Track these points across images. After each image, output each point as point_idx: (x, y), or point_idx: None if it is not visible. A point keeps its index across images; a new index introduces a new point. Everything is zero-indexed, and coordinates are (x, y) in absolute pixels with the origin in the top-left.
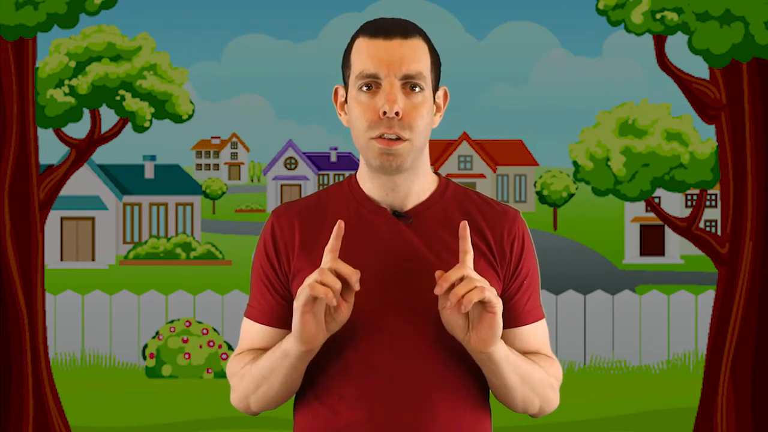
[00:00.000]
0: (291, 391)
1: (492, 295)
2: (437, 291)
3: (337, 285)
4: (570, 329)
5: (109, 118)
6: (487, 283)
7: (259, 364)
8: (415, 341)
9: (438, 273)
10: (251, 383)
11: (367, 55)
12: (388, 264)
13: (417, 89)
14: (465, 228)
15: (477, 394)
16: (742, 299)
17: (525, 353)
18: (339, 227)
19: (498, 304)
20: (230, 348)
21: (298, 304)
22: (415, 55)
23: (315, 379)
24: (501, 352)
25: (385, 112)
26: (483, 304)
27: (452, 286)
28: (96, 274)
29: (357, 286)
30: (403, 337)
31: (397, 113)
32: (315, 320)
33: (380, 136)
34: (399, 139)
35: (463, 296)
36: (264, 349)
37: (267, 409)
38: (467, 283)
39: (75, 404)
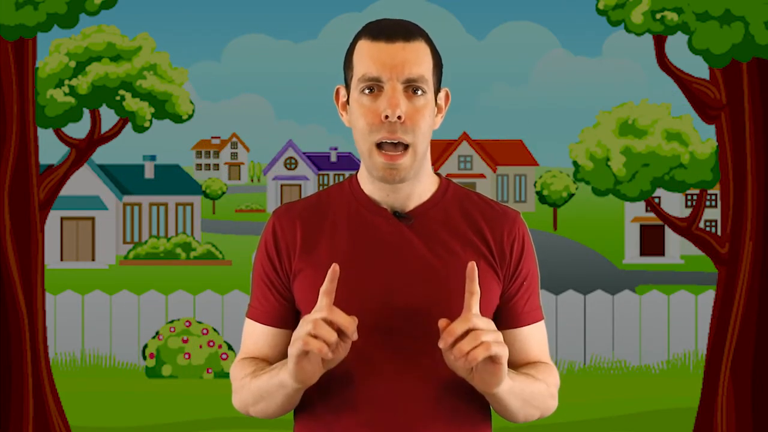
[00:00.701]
0: (289, 409)
1: (498, 348)
2: (441, 345)
3: (332, 338)
4: (570, 329)
5: (109, 118)
6: (494, 328)
7: (258, 383)
8: (417, 343)
9: (441, 323)
10: (250, 397)
11: (369, 57)
12: (388, 265)
13: (419, 92)
14: (473, 270)
15: (478, 397)
16: (742, 299)
17: (524, 359)
18: (333, 271)
19: (504, 355)
20: (230, 348)
21: (291, 353)
22: (417, 59)
23: (315, 383)
24: (504, 387)
25: (387, 116)
26: (489, 357)
27: (457, 340)
28: (96, 274)
29: (354, 336)
30: (404, 339)
31: (399, 117)
32: (311, 364)
33: (382, 142)
34: (402, 147)
35: (468, 353)
36: (266, 355)
37: (267, 419)
38: (472, 339)
39: (75, 404)
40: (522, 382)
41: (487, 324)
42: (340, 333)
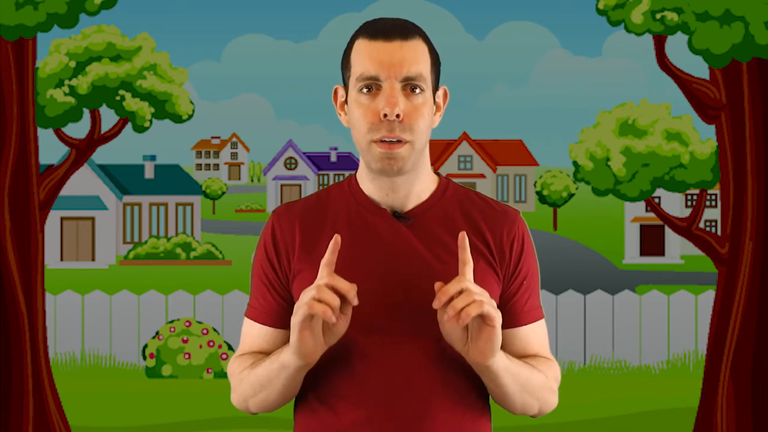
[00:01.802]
0: (290, 397)
1: (491, 308)
2: (436, 305)
3: (336, 302)
4: (570, 329)
5: (109, 118)
6: (487, 295)
7: (258, 371)
8: (415, 342)
9: (437, 285)
10: (250, 388)
11: (367, 57)
12: (387, 265)
13: (417, 91)
14: (464, 238)
15: (477, 395)
16: (742, 299)
17: (525, 356)
18: (335, 241)
19: (497, 318)
20: (230, 348)
21: (295, 321)
22: (415, 57)
23: (315, 379)
24: (500, 363)
25: (386, 115)
26: (482, 318)
27: (451, 299)
28: (96, 274)
29: (355, 301)
30: (402, 337)
31: (398, 115)
32: (313, 336)
33: (381, 140)
34: (399, 141)
35: (461, 310)
36: (264, 352)
37: (266, 411)
38: (466, 297)
39: (75, 404)
40: (519, 366)
41: (481, 290)
42: (342, 300)
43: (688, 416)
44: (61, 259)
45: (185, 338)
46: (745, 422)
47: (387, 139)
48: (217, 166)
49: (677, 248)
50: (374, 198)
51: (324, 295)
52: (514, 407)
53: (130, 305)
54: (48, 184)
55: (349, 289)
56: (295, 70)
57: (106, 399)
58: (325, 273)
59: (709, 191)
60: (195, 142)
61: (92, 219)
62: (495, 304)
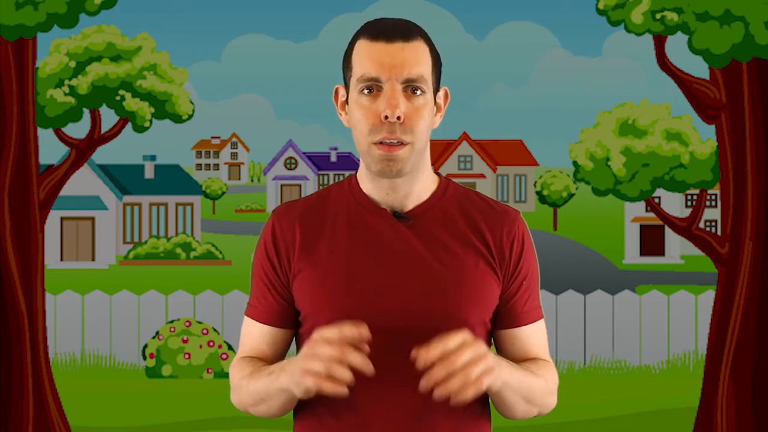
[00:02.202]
0: (290, 410)
1: (487, 379)
2: (422, 386)
3: (349, 378)
4: (570, 329)
5: (109, 118)
6: (474, 357)
7: (258, 385)
8: (414, 343)
9: (416, 355)
10: (249, 398)
11: (368, 58)
12: (387, 265)
13: (418, 92)
14: (425, 353)
15: (476, 397)
16: (742, 299)
17: (524, 357)
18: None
19: (494, 383)
20: (230, 348)
21: (302, 382)
22: (416, 59)
23: None
24: (501, 379)
25: (386, 117)
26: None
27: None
28: (96, 274)
29: (370, 369)
30: (401, 338)
31: (398, 117)
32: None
33: (381, 142)
34: (400, 144)
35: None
36: (264, 353)
37: (267, 418)
38: (462, 378)
39: (75, 404)
40: (520, 377)
41: (467, 354)
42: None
43: (688, 416)
44: (61, 259)
45: (185, 338)
46: (745, 422)
47: (387, 141)
48: (217, 166)
49: (677, 248)
50: (374, 198)
51: (337, 372)
52: (515, 415)
53: (130, 305)
54: (48, 184)
55: (365, 366)
56: (295, 70)
57: (106, 399)
58: (336, 336)
59: (709, 191)
60: (195, 142)
61: (92, 219)
62: (488, 365)
